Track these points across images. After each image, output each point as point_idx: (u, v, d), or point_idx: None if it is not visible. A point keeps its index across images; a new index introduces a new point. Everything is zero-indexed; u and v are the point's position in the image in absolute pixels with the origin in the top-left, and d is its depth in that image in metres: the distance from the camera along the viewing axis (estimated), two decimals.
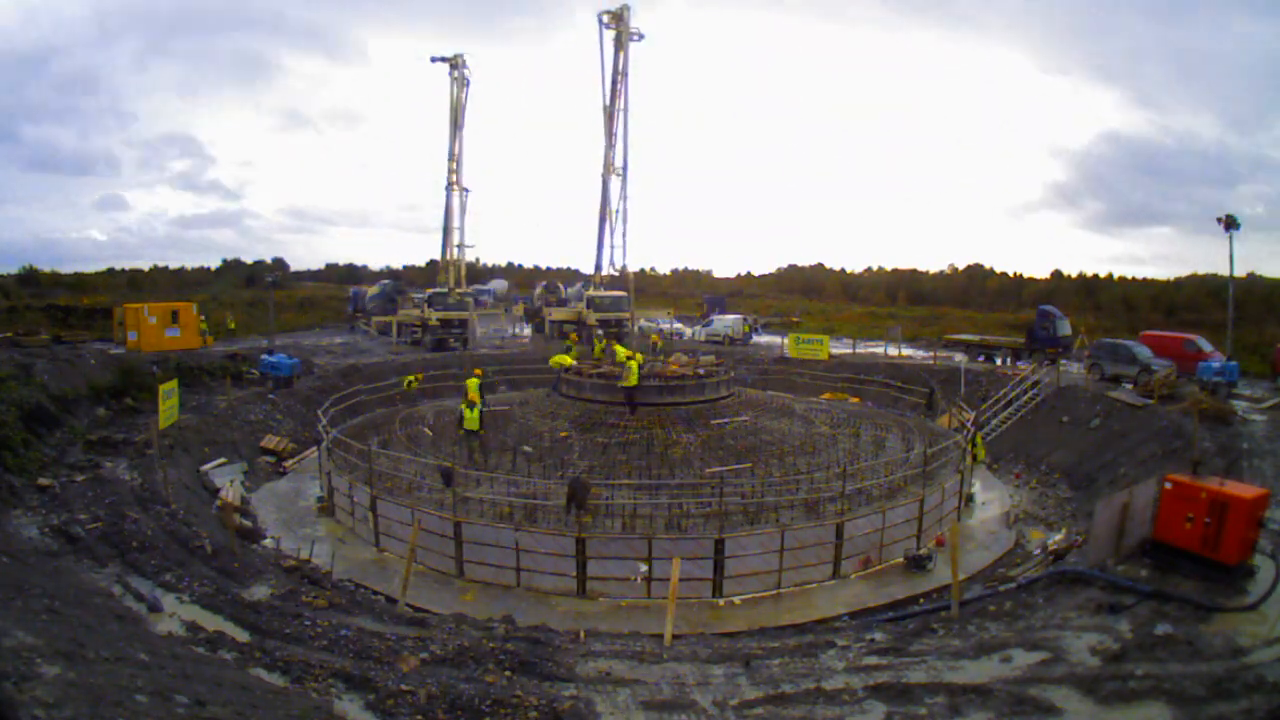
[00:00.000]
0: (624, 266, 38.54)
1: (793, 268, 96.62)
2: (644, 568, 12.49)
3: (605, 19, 34.98)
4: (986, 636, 8.93)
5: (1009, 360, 29.72)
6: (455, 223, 40.19)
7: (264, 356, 25.59)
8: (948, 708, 7.02)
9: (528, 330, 43.38)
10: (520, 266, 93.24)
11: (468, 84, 38.44)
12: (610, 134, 36.91)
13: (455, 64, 38.05)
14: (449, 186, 39.61)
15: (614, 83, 35.73)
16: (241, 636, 8.34)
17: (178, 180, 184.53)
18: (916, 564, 13.87)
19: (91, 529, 11.31)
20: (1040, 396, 24.01)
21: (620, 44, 35.38)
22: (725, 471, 14.43)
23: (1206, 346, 25.62)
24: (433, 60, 38.32)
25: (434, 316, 34.06)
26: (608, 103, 36.04)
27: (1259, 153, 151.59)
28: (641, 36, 35.42)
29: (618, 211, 37.34)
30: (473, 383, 19.99)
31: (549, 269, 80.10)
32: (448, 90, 38.45)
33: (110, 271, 70.54)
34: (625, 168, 37.09)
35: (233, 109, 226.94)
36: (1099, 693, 7.19)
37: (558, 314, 40.17)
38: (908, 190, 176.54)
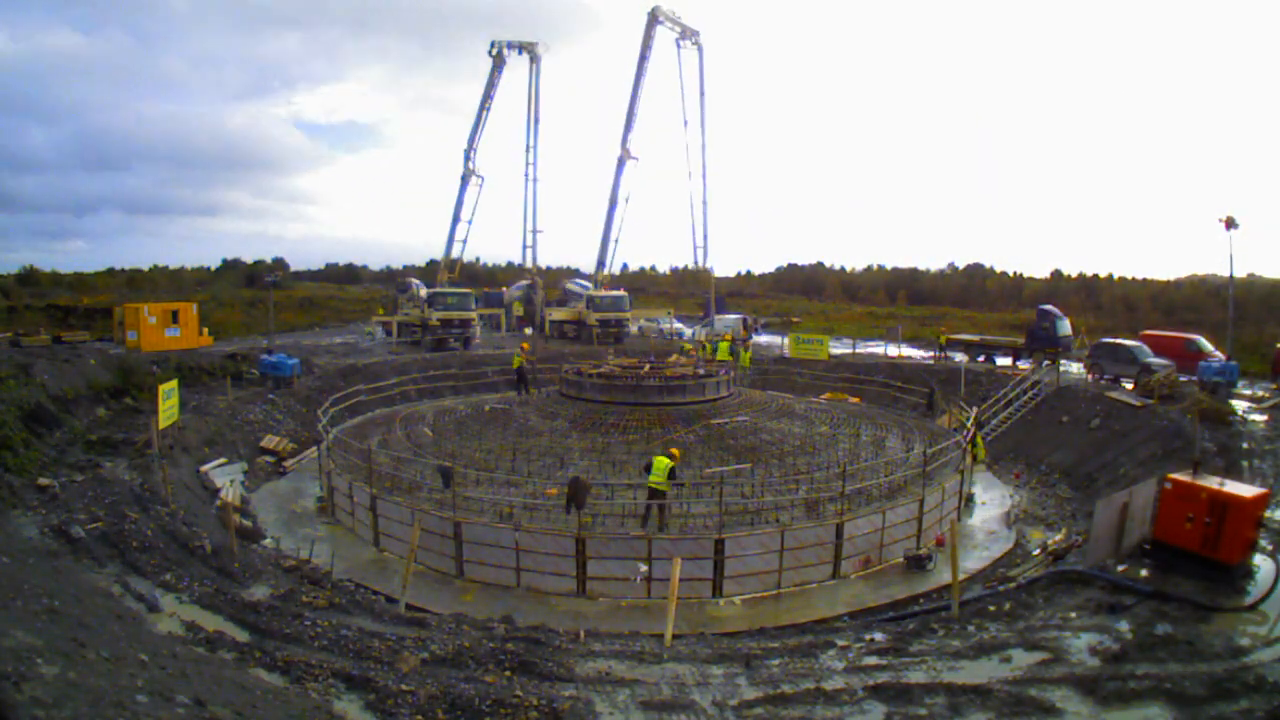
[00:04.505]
0: (710, 268, 39.95)
1: (792, 267, 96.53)
2: (644, 568, 12.49)
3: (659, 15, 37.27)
4: (986, 637, 8.93)
5: (1012, 360, 29.78)
6: (466, 214, 40.48)
7: (264, 356, 25.55)
8: (947, 708, 7.01)
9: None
10: (520, 266, 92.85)
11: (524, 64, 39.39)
12: (630, 115, 37.72)
13: (532, 52, 39.16)
14: (465, 175, 39.86)
15: (641, 64, 37.94)
16: (241, 636, 8.33)
17: None
18: (916, 564, 13.87)
19: (91, 529, 11.30)
20: (1040, 396, 24.01)
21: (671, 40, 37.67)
22: (725, 471, 14.43)
23: (1206, 346, 25.62)
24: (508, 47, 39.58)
25: (434, 316, 34.03)
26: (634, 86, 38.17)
27: None
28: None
29: (705, 205, 38.83)
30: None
31: (549, 268, 79.90)
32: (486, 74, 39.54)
33: (110, 271, 70.48)
34: (704, 166, 38.46)
35: None
36: (1099, 693, 7.19)
37: (558, 314, 40.23)
38: (907, 189, 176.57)
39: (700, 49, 37.93)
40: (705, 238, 39.58)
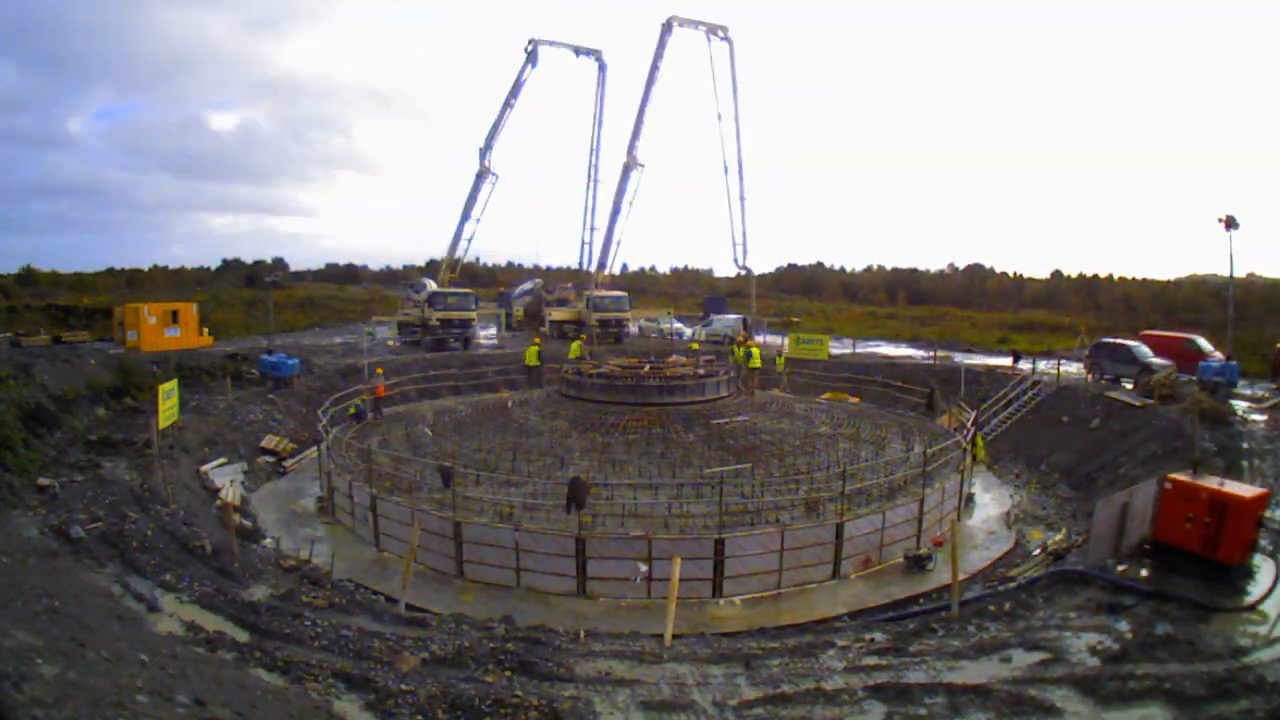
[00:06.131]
0: (749, 269, 40.14)
1: (792, 267, 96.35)
2: (644, 568, 12.49)
3: (676, 23, 37.39)
4: (986, 637, 8.93)
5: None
6: (477, 213, 40.03)
7: (264, 356, 25.54)
8: (947, 708, 7.02)
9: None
10: (519, 265, 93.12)
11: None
12: (639, 122, 37.64)
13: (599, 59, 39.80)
14: (480, 173, 39.51)
15: (652, 73, 37.86)
16: (241, 636, 8.34)
17: None
18: (916, 564, 13.87)
19: (91, 529, 11.31)
20: (1040, 396, 24.02)
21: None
22: (725, 471, 14.43)
23: (1206, 346, 25.61)
24: (577, 54, 40.06)
25: (434, 317, 34.03)
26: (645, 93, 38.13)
27: None
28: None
29: (743, 200, 38.89)
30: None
31: (549, 268, 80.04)
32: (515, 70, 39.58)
33: (110, 271, 70.36)
34: (741, 160, 38.47)
35: None
36: (1099, 693, 7.20)
37: (558, 314, 40.25)
38: (907, 189, 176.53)
39: (730, 43, 37.88)
40: (745, 235, 38.88)
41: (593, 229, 40.35)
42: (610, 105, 40.57)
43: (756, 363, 25.12)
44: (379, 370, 25.55)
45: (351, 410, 21.61)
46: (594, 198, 40.06)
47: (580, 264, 41.81)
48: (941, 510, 15.67)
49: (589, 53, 39.76)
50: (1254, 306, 42.83)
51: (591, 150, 39.79)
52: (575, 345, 28.86)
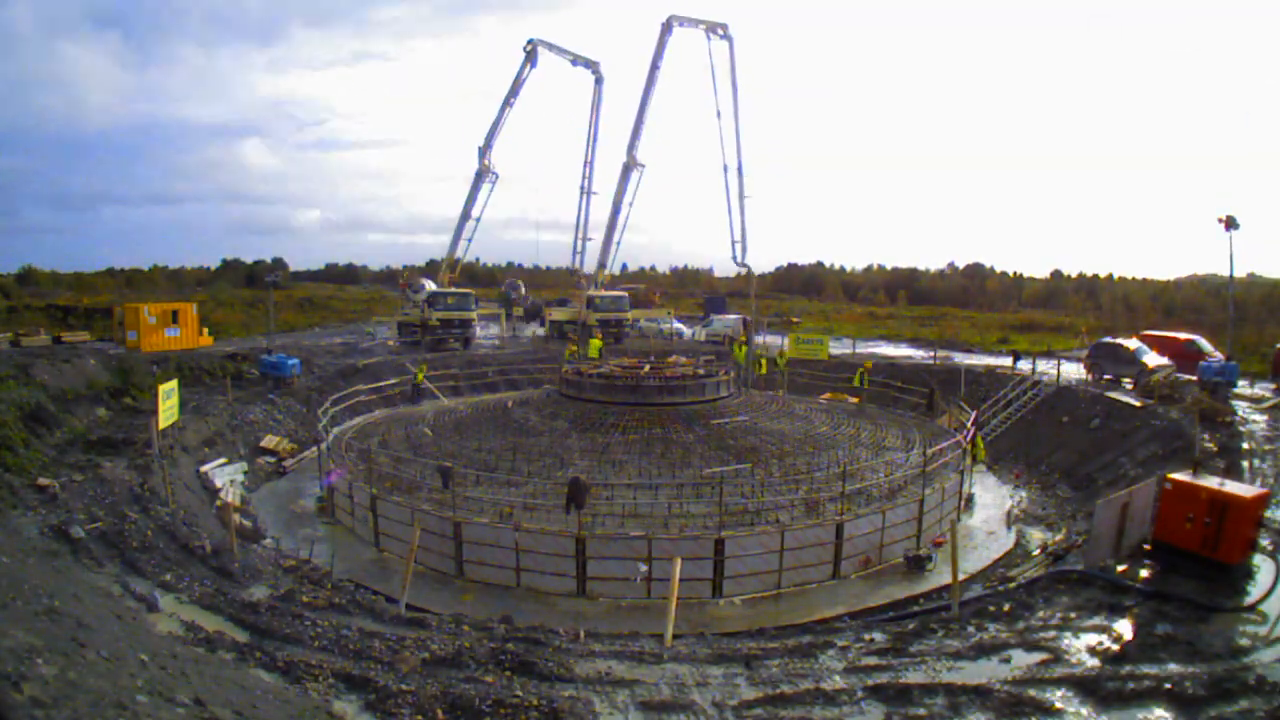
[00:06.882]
0: (749, 268, 40.25)
1: (792, 267, 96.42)
2: (644, 567, 12.49)
3: (676, 22, 37.40)
4: (986, 637, 8.93)
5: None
6: (476, 212, 39.92)
7: (264, 356, 25.54)
8: (947, 708, 7.02)
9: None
10: (520, 266, 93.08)
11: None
12: (639, 122, 37.64)
13: (597, 73, 39.63)
14: (480, 172, 39.40)
15: (652, 73, 37.94)
16: (241, 636, 8.34)
17: None
18: (916, 564, 13.87)
19: (91, 529, 11.31)
20: (1040, 396, 24.02)
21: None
22: (725, 471, 14.42)
23: (1206, 346, 25.61)
24: (574, 64, 39.86)
25: (434, 317, 34.02)
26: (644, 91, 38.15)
27: None
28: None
29: (743, 199, 38.61)
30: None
31: (548, 268, 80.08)
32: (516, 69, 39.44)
33: (109, 271, 70.41)
34: (740, 158, 38.39)
35: None
36: (1099, 693, 7.19)
37: (558, 314, 40.28)
38: (907, 189, 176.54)
39: (730, 40, 37.91)
40: (744, 233, 38.69)
41: (586, 239, 40.38)
42: (610, 104, 40.21)
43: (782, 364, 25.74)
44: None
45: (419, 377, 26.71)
46: (587, 209, 40.06)
47: (572, 268, 41.82)
48: (941, 510, 15.68)
49: (586, 63, 39.54)
50: (1254, 306, 42.91)
51: (586, 162, 39.80)
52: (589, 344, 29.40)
